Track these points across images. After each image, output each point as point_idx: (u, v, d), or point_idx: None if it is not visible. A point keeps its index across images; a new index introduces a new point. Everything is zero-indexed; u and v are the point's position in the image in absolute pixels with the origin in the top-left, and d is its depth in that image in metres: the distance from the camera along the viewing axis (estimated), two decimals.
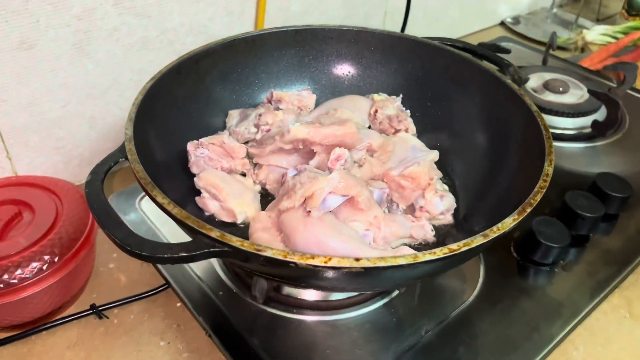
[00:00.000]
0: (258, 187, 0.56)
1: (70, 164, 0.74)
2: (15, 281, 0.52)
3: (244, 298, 0.53)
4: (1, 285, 0.51)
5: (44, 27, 0.63)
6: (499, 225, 0.39)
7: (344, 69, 0.64)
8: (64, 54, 0.66)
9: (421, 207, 0.50)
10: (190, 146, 0.52)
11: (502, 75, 0.56)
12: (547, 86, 0.83)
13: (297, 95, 0.59)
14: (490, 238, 0.38)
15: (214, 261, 0.57)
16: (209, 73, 0.58)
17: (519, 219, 0.40)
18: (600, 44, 1.13)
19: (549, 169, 0.44)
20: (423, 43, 0.62)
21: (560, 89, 0.82)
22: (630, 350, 0.56)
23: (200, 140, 0.52)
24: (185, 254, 0.36)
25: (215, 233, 0.37)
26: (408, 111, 0.61)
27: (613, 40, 1.13)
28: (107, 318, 0.60)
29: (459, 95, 0.59)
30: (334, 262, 0.35)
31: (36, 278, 0.53)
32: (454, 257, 0.37)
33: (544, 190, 0.42)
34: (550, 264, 0.58)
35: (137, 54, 0.71)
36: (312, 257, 0.36)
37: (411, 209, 0.52)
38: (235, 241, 0.37)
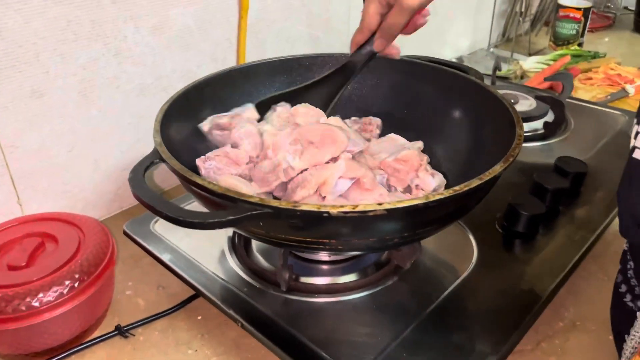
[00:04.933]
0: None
1: (75, 207, 0.77)
2: (37, 304, 0.54)
3: (266, 290, 0.58)
4: (24, 309, 0.53)
5: (53, 77, 0.69)
6: (490, 170, 0.46)
7: None
8: (70, 101, 0.71)
9: (417, 185, 0.57)
10: (199, 161, 0.57)
11: (468, 76, 0.66)
12: None
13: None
14: (485, 180, 0.45)
15: (235, 264, 0.62)
16: (210, 98, 0.65)
17: (505, 166, 0.47)
18: (536, 70, 1.27)
19: (520, 132, 0.52)
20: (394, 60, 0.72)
21: (512, 100, 0.93)
22: None
23: (207, 155, 0.58)
24: (232, 217, 0.42)
25: (254, 198, 0.43)
26: None
27: (546, 67, 1.28)
28: (133, 336, 0.62)
29: (432, 97, 0.68)
30: (360, 207, 0.42)
31: (58, 301, 0.55)
32: (457, 196, 0.44)
33: (521, 144, 0.50)
34: (530, 233, 0.66)
35: (135, 100, 0.78)
36: (342, 205, 0.42)
37: (408, 191, 0.59)
38: (274, 202, 0.42)
